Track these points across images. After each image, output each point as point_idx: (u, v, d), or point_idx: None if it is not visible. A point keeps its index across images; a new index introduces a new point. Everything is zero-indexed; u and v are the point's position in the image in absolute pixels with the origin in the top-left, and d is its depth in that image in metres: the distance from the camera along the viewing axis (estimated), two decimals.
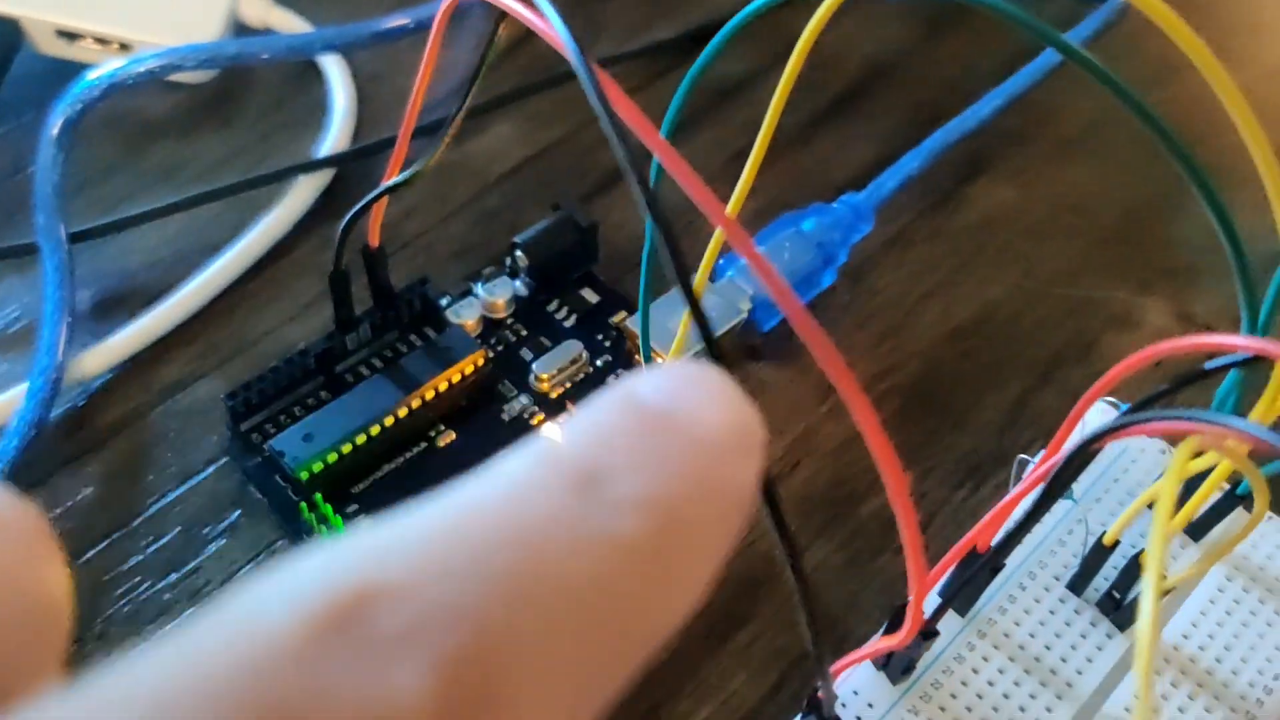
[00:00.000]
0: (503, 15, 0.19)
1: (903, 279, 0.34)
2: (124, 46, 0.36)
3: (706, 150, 0.36)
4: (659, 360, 0.29)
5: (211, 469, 0.29)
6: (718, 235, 0.24)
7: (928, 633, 0.23)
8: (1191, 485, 0.26)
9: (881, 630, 0.24)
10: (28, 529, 0.11)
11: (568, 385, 0.30)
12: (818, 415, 0.30)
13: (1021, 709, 0.25)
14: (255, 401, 0.28)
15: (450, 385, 0.28)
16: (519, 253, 0.31)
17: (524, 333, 0.31)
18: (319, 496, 0.26)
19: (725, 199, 0.20)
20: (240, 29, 0.37)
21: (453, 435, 0.29)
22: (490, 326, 0.31)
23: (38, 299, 0.29)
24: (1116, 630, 0.26)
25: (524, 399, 0.29)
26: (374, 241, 0.28)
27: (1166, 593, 0.24)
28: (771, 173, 0.32)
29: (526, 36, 0.17)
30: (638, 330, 0.28)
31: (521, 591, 0.10)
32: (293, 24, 0.37)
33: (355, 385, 0.28)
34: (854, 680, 0.25)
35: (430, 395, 0.28)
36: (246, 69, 0.37)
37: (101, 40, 0.36)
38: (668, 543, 0.11)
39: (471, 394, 0.29)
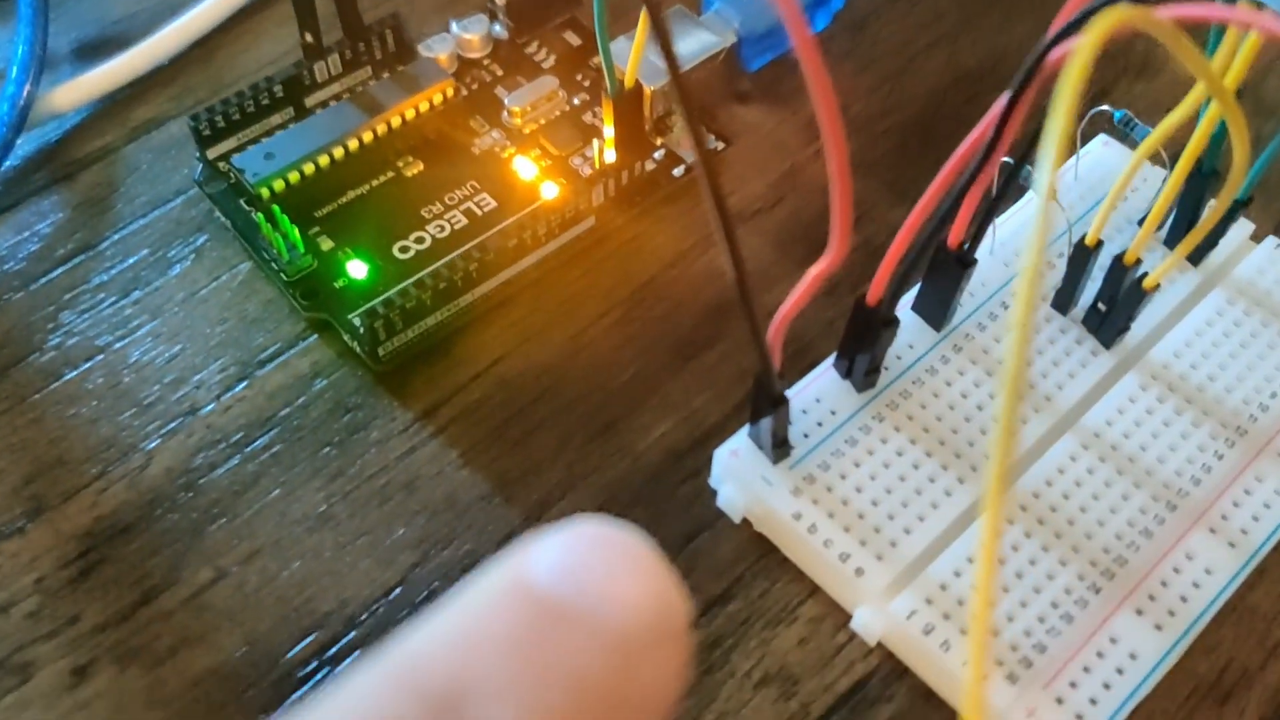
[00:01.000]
0: None
1: (908, 28, 0.32)
2: None
3: None
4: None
5: (180, 199, 0.28)
6: None
7: (887, 320, 0.22)
8: (1184, 203, 0.25)
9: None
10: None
11: (541, 121, 0.29)
12: (804, 155, 0.29)
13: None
14: (221, 126, 0.28)
15: (417, 113, 0.28)
16: None
17: (500, 73, 0.30)
18: (277, 209, 0.26)
19: None
20: None
21: (421, 166, 0.28)
22: (466, 66, 0.30)
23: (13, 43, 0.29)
24: (1102, 348, 0.24)
25: (495, 134, 0.29)
26: None
27: (1151, 288, 0.23)
28: None
29: None
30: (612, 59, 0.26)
31: None
32: None
33: None
34: (817, 388, 0.24)
35: (396, 122, 0.27)
36: None
37: None
38: None
39: (442, 127, 0.28)
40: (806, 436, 0.23)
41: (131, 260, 0.27)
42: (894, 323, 0.22)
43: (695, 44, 0.28)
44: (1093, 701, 0.20)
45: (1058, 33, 0.17)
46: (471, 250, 0.25)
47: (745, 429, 0.23)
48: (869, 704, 0.21)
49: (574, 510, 0.24)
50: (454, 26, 0.30)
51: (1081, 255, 0.23)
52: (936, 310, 0.24)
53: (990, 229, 0.25)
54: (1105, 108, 0.26)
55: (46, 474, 0.24)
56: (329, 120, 0.27)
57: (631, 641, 0.09)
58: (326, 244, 0.27)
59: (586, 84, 0.29)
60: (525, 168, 0.28)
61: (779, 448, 0.22)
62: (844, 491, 0.22)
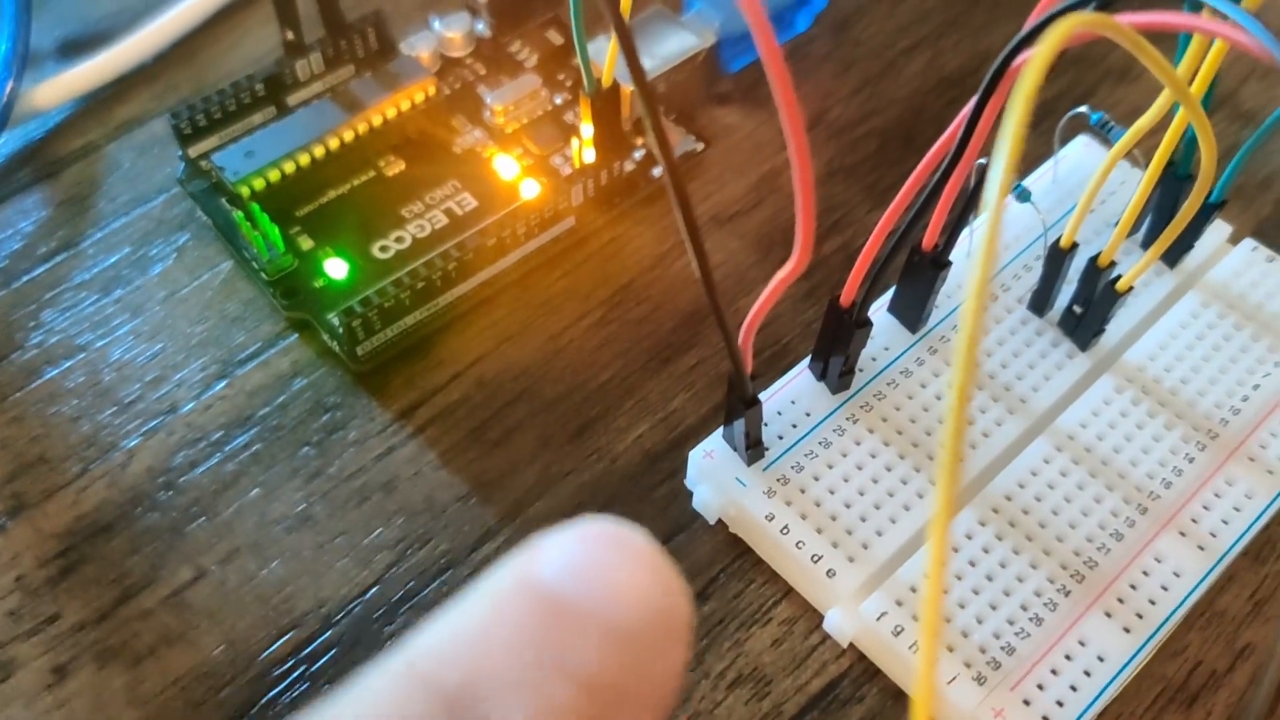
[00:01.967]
0: None
1: (888, 31, 0.32)
2: None
3: None
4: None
5: (162, 197, 0.28)
6: None
7: (860, 321, 0.22)
8: (1161, 207, 0.25)
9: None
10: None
11: (524, 120, 0.29)
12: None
13: (970, 421, 0.23)
14: (203, 125, 0.28)
15: (399, 112, 0.28)
16: None
17: (482, 71, 0.30)
18: (256, 207, 0.26)
19: None
20: None
21: (402, 165, 0.28)
22: (448, 65, 0.30)
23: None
24: (1078, 350, 0.24)
25: (477, 133, 0.29)
26: None
27: (1124, 290, 0.23)
28: None
29: None
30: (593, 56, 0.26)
31: None
32: None
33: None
34: (792, 389, 0.24)
35: (377, 121, 0.27)
36: None
37: None
38: None
39: (423, 126, 0.28)
40: (781, 438, 0.23)
41: (113, 259, 0.27)
42: (867, 324, 0.22)
43: (675, 44, 0.28)
44: (1059, 703, 0.20)
45: (1019, 39, 0.17)
46: (450, 250, 0.25)
47: (720, 430, 0.23)
48: (841, 704, 0.22)
49: (550, 511, 0.24)
50: (436, 24, 0.30)
51: (1057, 257, 0.24)
52: (912, 312, 0.24)
53: (967, 231, 0.26)
54: (1083, 110, 0.26)
55: (27, 472, 0.24)
56: (310, 119, 0.27)
57: (638, 637, 0.10)
58: (306, 243, 0.27)
59: (569, 83, 0.30)
60: (507, 167, 0.28)
61: (753, 449, 0.22)
62: (817, 493, 0.22)
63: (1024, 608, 0.21)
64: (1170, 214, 0.25)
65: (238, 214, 0.26)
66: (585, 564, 0.10)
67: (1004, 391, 0.24)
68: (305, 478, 0.24)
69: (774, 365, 0.26)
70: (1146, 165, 0.21)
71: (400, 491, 0.24)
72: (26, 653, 0.22)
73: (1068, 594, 0.21)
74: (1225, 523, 0.22)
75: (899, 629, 0.21)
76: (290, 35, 0.28)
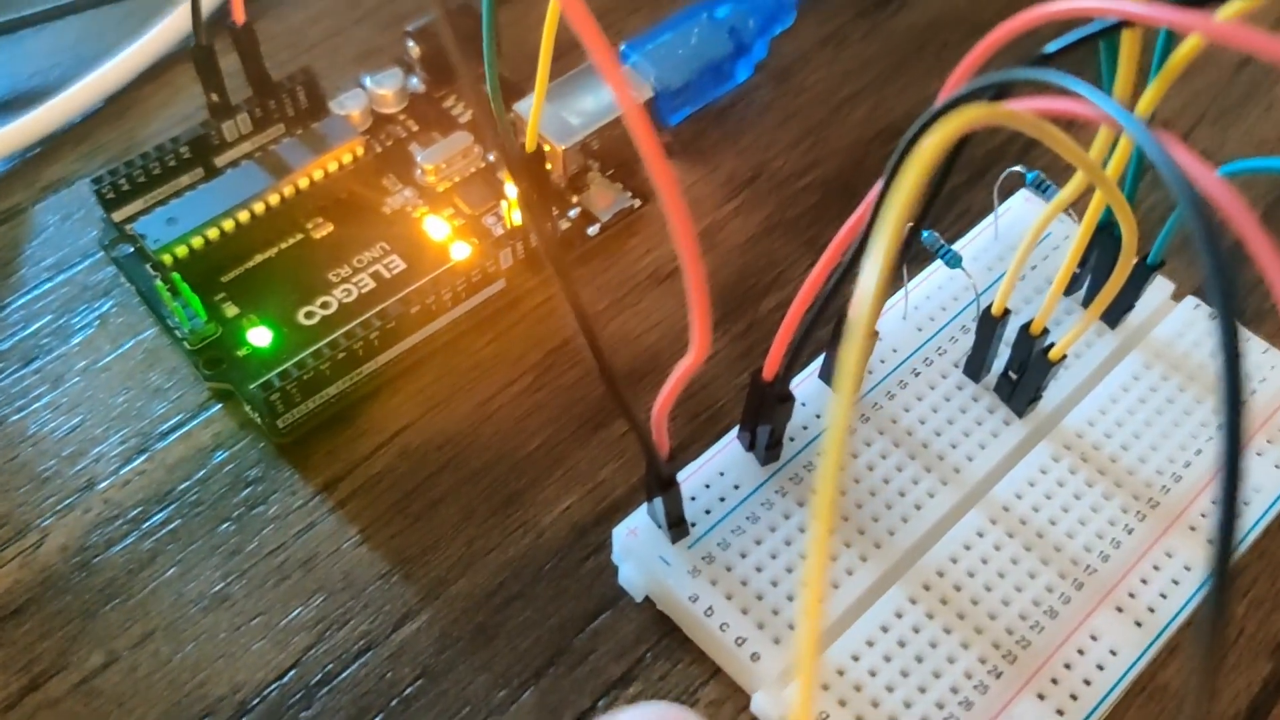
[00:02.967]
0: None
1: (832, 78, 0.31)
2: None
3: None
4: (545, 149, 0.27)
5: (86, 261, 0.28)
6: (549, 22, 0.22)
7: (783, 396, 0.21)
8: (1100, 265, 0.24)
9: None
10: None
11: (456, 179, 0.28)
12: (725, 212, 0.29)
13: (902, 493, 0.23)
14: (127, 189, 0.27)
15: (326, 174, 0.27)
16: (410, 43, 0.29)
17: (415, 128, 0.29)
18: (177, 277, 0.25)
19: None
20: None
21: (330, 227, 0.27)
22: (380, 121, 0.29)
23: None
24: (1015, 417, 0.24)
25: (408, 193, 0.28)
26: (239, 18, 0.26)
27: (1057, 359, 0.22)
28: None
29: None
30: (526, 119, 0.26)
31: None
32: None
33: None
34: (720, 460, 0.23)
35: (304, 184, 0.27)
36: None
37: None
38: None
39: (352, 187, 0.28)
40: (708, 513, 0.22)
41: (33, 327, 0.27)
42: (789, 399, 0.22)
43: (610, 100, 0.28)
44: None
45: (921, 124, 0.16)
46: (371, 318, 0.25)
47: (645, 506, 0.22)
48: None
49: (473, 589, 0.23)
50: (367, 81, 0.29)
51: (989, 323, 0.23)
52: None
53: (902, 294, 0.25)
54: (1018, 169, 0.25)
55: None
56: (235, 182, 0.27)
57: None
58: (231, 310, 0.26)
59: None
60: (437, 227, 0.27)
61: (675, 527, 0.22)
62: (743, 571, 0.22)
63: (954, 690, 0.20)
64: (1107, 273, 0.24)
65: (159, 282, 0.25)
66: None
67: (937, 461, 0.23)
68: (224, 555, 0.24)
69: (708, 430, 0.25)
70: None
71: (320, 569, 0.23)
72: None
73: (999, 675, 0.21)
74: (1164, 596, 0.22)
75: (824, 715, 0.20)
76: (214, 97, 0.27)
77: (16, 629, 0.23)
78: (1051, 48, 0.17)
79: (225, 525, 0.24)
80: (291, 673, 0.22)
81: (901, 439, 0.23)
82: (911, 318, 0.25)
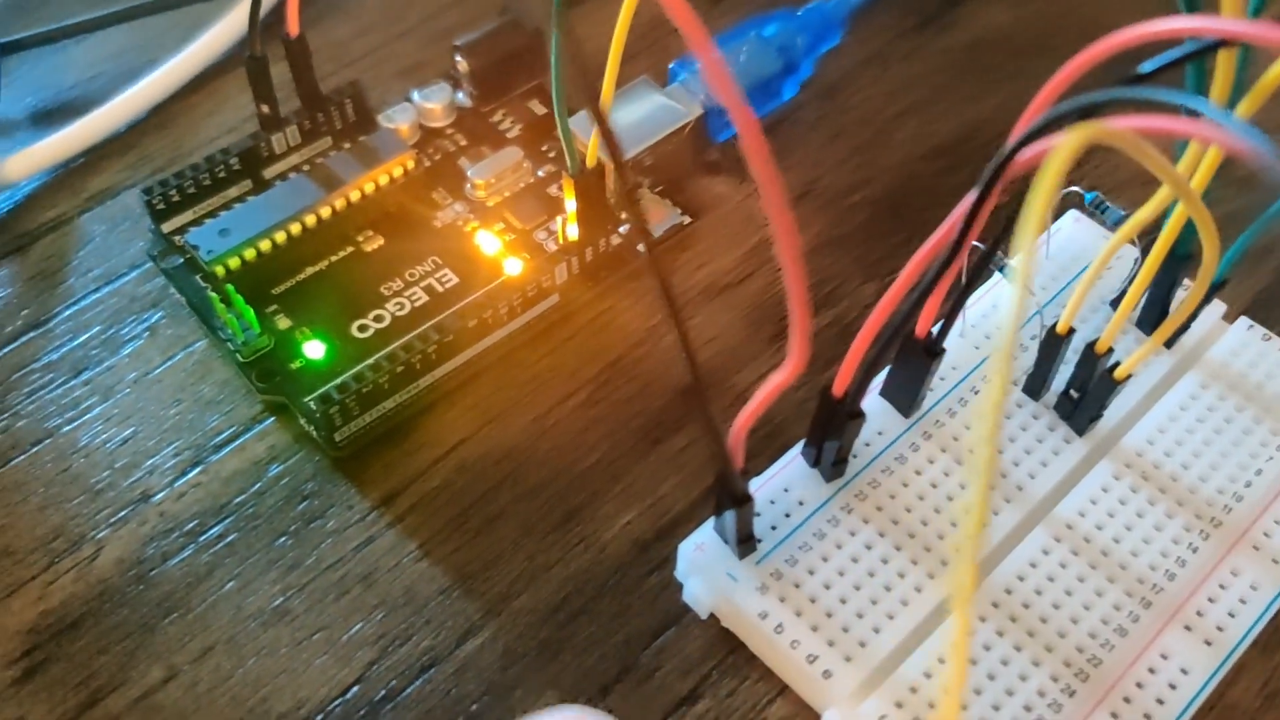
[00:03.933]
0: None
1: (877, 97, 0.31)
2: None
3: None
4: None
5: (135, 272, 0.28)
6: (617, 40, 0.22)
7: (853, 413, 0.21)
8: (1158, 284, 0.24)
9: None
10: None
11: (505, 194, 0.28)
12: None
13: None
14: (177, 200, 0.27)
15: (377, 187, 0.27)
16: (458, 57, 0.29)
17: (463, 142, 0.29)
18: (231, 288, 0.25)
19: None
20: None
21: (381, 240, 0.27)
22: (428, 136, 0.29)
23: None
24: (1075, 435, 0.24)
25: (458, 207, 0.28)
26: (293, 30, 0.26)
27: (1122, 379, 0.22)
28: None
29: None
30: (574, 134, 0.26)
31: None
32: None
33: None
34: (785, 476, 0.23)
35: (355, 196, 0.27)
36: None
37: None
38: None
39: (403, 201, 0.28)
40: (774, 529, 0.22)
41: (82, 338, 0.26)
42: (860, 416, 0.22)
43: (661, 117, 0.28)
44: None
45: (1021, 138, 0.16)
46: (429, 331, 0.25)
47: (711, 521, 0.22)
48: None
49: (536, 605, 0.23)
50: (415, 95, 0.29)
51: (1053, 341, 0.23)
52: (905, 397, 0.24)
53: (960, 313, 0.25)
54: (1076, 189, 0.26)
55: None
56: (286, 195, 0.26)
57: None
58: (284, 323, 0.26)
59: (552, 154, 0.29)
60: (488, 242, 0.27)
61: (744, 543, 0.22)
62: (812, 588, 0.22)
63: (1028, 709, 0.20)
64: (1166, 290, 0.25)
65: (212, 294, 0.25)
66: None
67: (1000, 478, 0.23)
68: (282, 569, 0.23)
69: (768, 445, 0.25)
70: (1139, 239, 0.20)
71: (380, 584, 0.23)
72: None
73: (1073, 694, 0.21)
74: (1232, 615, 0.22)
75: None
76: (265, 109, 0.27)
77: (73, 643, 0.22)
78: (1147, 67, 0.17)
79: (283, 539, 0.24)
80: (355, 689, 0.22)
81: (963, 456, 0.23)
82: (969, 335, 0.25)
